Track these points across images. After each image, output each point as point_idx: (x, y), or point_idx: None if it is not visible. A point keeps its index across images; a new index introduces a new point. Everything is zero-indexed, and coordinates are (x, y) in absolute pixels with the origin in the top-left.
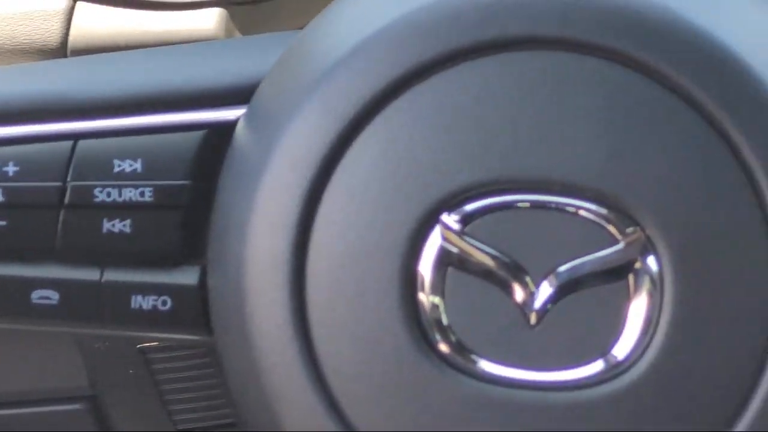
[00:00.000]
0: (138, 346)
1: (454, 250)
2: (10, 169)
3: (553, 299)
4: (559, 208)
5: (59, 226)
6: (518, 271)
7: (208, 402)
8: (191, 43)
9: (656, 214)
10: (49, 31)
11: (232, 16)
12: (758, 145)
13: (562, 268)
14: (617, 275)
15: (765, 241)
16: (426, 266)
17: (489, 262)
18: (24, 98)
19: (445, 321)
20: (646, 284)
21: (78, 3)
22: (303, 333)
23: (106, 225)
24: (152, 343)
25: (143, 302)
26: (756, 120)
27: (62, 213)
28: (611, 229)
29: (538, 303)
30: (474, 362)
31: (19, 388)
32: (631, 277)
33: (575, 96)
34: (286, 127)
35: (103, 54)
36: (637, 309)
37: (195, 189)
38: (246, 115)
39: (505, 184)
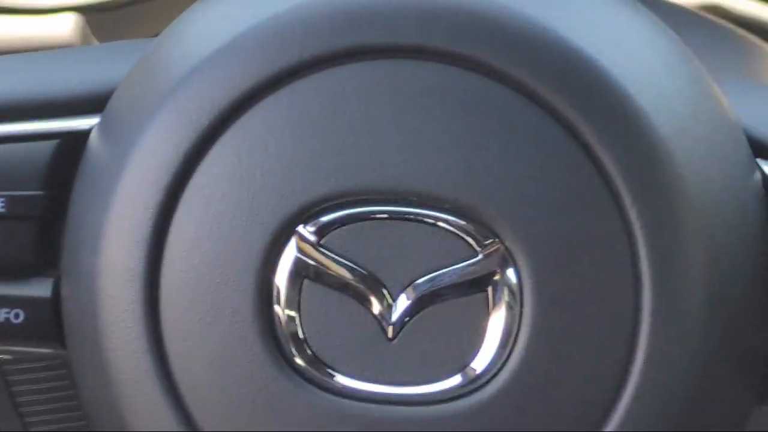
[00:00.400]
0: None
1: (310, 262)
2: None
3: (411, 312)
4: (418, 220)
5: None
6: (375, 284)
7: (64, 413)
8: (46, 49)
9: (515, 225)
10: None
11: (89, 23)
12: (619, 155)
13: (420, 281)
14: (476, 288)
15: (625, 252)
16: (282, 278)
17: (345, 274)
18: None
19: (301, 334)
20: (505, 297)
21: None
22: (157, 346)
23: None
24: (6, 356)
25: None
26: (616, 130)
27: None
28: (470, 240)
29: (395, 316)
30: (330, 376)
31: None
32: (490, 290)
33: (433, 106)
34: (139, 137)
35: None
36: (497, 322)
37: (48, 199)
38: (99, 124)
39: (362, 195)
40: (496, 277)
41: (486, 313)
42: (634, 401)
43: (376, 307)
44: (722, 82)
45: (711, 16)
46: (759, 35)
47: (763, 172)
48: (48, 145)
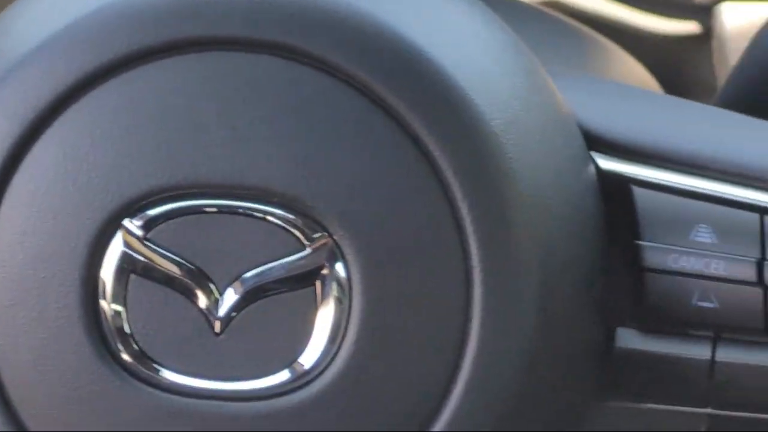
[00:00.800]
0: None
1: (137, 256)
2: None
3: (239, 307)
4: (247, 213)
5: None
6: (202, 278)
7: None
8: None
9: (343, 219)
10: None
11: None
12: (449, 149)
13: (248, 275)
14: (304, 282)
15: (456, 246)
16: (108, 273)
17: (172, 268)
18: None
19: (127, 329)
20: (334, 291)
21: None
22: None
23: None
24: None
25: None
26: (447, 123)
27: None
28: (298, 234)
29: (222, 311)
30: (157, 371)
31: None
32: (318, 284)
33: (261, 98)
34: None
35: None
36: (325, 317)
37: None
38: None
39: (189, 188)
40: (325, 272)
41: (315, 308)
42: (464, 396)
43: (202, 302)
44: (556, 75)
45: (549, 11)
46: (597, 29)
47: (596, 165)
48: None
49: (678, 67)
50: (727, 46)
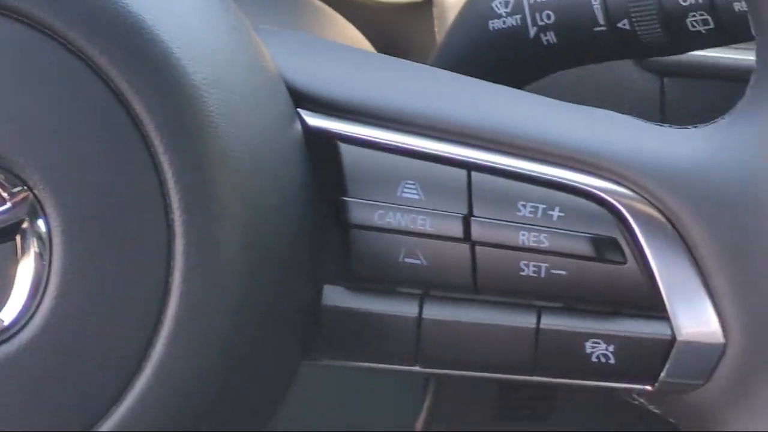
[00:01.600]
0: None
1: None
2: None
3: None
4: None
5: None
6: None
7: None
8: None
9: (42, 173)
10: None
11: None
12: (150, 102)
13: None
14: (5, 236)
15: (158, 201)
16: None
17: None
18: None
19: None
20: (34, 246)
21: None
22: None
23: None
24: None
25: None
26: (147, 76)
27: None
28: None
29: None
30: None
31: None
32: (19, 239)
33: None
34: None
35: None
36: (25, 272)
37: None
38: None
39: None
40: (25, 226)
41: (15, 263)
42: (166, 350)
43: None
44: (264, 32)
45: None
46: None
47: (303, 122)
48: None
49: (399, 35)
50: (448, 14)
